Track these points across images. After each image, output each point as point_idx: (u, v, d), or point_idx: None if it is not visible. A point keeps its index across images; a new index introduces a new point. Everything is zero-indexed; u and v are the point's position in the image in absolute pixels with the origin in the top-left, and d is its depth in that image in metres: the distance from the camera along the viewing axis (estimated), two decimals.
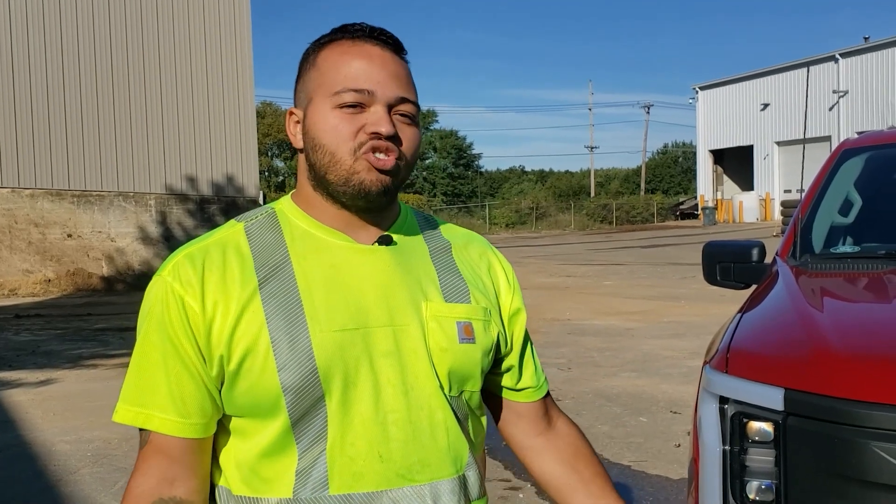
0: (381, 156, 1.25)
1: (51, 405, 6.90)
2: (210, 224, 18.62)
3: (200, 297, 1.22)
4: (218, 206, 19.41)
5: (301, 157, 1.33)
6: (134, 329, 1.30)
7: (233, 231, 1.31)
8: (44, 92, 16.57)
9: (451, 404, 1.31)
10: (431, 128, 66.89)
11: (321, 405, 1.22)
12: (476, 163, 69.54)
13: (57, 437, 5.89)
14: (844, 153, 3.64)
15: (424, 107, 77.23)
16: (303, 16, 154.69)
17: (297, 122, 1.32)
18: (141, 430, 1.24)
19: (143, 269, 17.84)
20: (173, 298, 1.22)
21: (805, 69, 40.72)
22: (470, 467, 1.33)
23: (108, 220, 17.62)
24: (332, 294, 1.25)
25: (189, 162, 18.89)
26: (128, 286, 17.41)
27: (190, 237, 17.87)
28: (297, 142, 1.32)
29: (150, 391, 1.22)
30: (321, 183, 1.29)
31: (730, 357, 2.18)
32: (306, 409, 1.21)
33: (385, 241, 1.33)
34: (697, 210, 46.86)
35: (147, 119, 18.09)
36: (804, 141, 3.71)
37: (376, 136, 1.24)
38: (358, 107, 1.25)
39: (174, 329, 1.22)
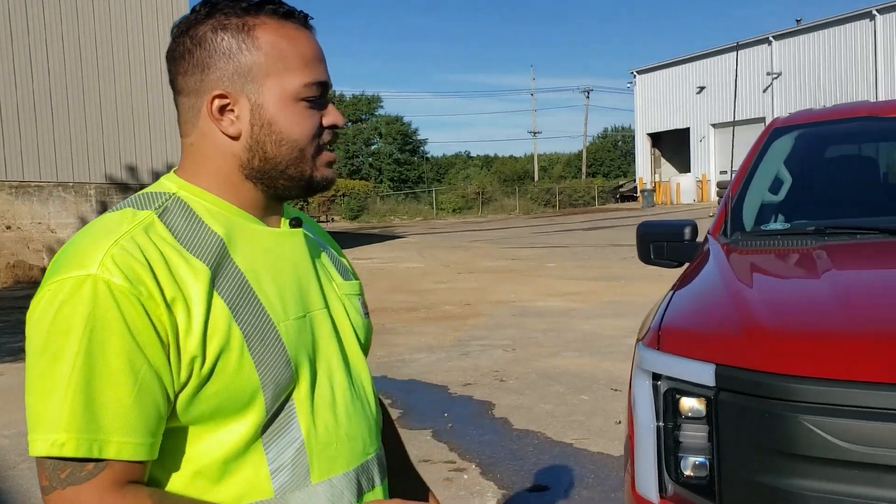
0: (332, 150, 1.27)
1: None
2: None
3: (159, 293, 1.08)
4: None
5: (224, 143, 1.21)
6: None
7: (143, 220, 1.15)
8: None
9: (371, 377, 1.37)
10: (376, 113, 66.59)
11: (290, 396, 1.20)
12: (422, 148, 69.40)
13: None
14: (774, 132, 3.70)
15: (369, 92, 76.71)
16: None
17: (227, 107, 1.20)
18: (72, 461, 1.04)
19: None
20: (126, 299, 1.05)
21: (739, 51, 41.41)
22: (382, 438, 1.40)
23: (48, 211, 17.15)
24: (277, 281, 1.22)
25: (128, 150, 18.45)
26: None
27: None
28: (234, 129, 1.20)
29: (108, 413, 1.04)
30: (268, 174, 1.22)
31: (661, 334, 2.20)
32: (282, 402, 1.18)
33: (297, 223, 1.32)
34: (637, 192, 47.60)
35: (84, 107, 17.61)
36: (734, 123, 3.81)
37: (334, 129, 1.24)
38: (319, 100, 1.23)
39: (132, 335, 1.06)
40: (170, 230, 1.15)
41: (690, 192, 43.13)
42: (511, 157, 78.47)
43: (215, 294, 1.13)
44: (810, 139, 3.75)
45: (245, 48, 1.20)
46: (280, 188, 1.24)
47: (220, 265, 1.16)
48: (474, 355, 8.05)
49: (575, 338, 8.78)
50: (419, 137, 68.15)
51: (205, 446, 1.14)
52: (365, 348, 1.37)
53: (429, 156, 71.67)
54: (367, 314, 1.40)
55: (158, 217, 1.17)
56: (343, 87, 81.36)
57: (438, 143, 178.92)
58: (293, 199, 1.29)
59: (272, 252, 1.24)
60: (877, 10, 35.40)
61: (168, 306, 1.08)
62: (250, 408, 1.14)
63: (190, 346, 1.09)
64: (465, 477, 4.62)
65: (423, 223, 41.35)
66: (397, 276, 15.81)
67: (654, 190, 44.00)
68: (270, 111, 1.20)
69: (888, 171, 3.96)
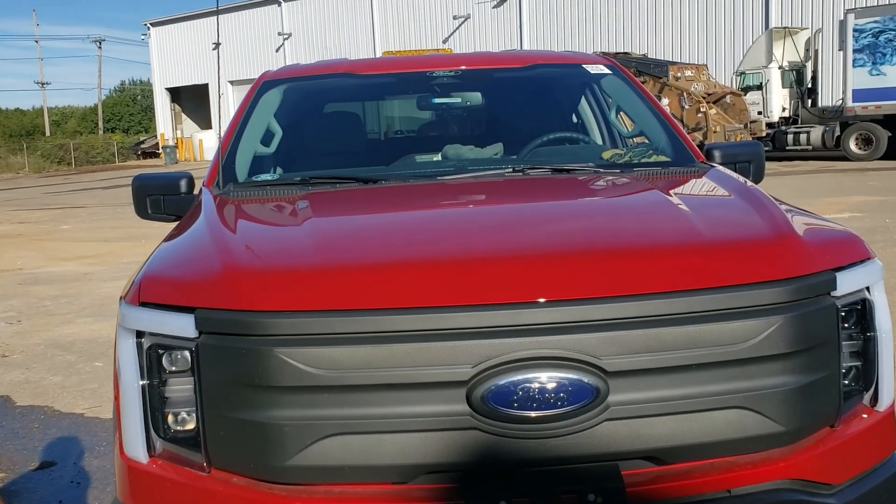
0: None
1: None
2: None
3: None
4: None
5: None
6: None
7: None
8: None
9: None
10: None
11: None
12: None
13: None
14: (264, 85, 3.79)
15: None
16: None
17: None
18: None
19: None
20: None
21: (252, 10, 42.35)
22: None
23: None
24: None
25: None
26: None
27: None
28: None
29: None
30: None
31: (142, 289, 2.13)
32: None
33: None
34: (159, 149, 46.37)
35: None
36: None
37: None
38: None
39: None
40: None
41: (213, 148, 43.13)
42: (17, 109, 72.31)
43: None
44: (297, 93, 3.91)
45: None
46: None
47: None
48: None
49: (91, 302, 8.33)
50: None
51: None
52: None
53: None
54: None
55: None
56: None
57: None
58: None
59: None
60: None
61: None
62: None
63: None
64: None
65: None
66: None
67: (176, 146, 43.21)
68: None
69: (364, 125, 4.32)
